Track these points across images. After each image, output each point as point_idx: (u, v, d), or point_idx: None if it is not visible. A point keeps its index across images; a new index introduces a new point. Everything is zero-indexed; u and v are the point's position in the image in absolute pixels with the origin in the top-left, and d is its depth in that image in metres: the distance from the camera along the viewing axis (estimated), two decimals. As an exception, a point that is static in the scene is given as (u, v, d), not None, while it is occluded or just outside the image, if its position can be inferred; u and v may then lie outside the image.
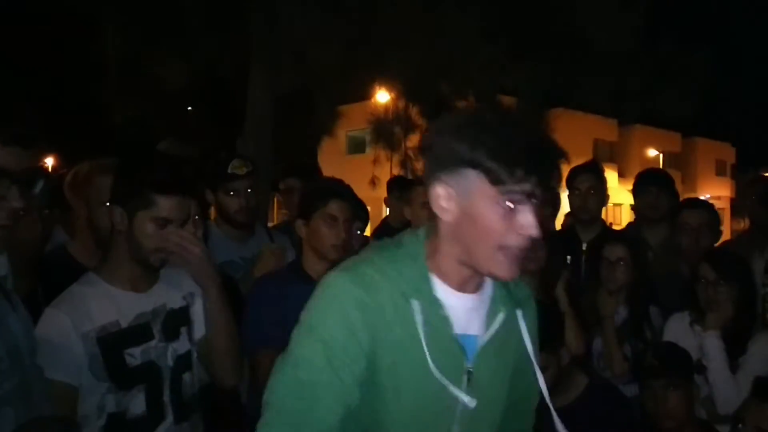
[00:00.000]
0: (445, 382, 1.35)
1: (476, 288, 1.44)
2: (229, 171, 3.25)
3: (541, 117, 9.54)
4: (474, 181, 1.29)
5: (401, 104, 10.18)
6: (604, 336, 3.10)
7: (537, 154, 1.28)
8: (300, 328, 1.39)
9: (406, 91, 9.50)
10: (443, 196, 1.34)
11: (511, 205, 1.28)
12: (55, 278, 2.20)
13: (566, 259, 3.57)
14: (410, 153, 9.35)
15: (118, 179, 2.11)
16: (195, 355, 2.21)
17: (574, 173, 3.82)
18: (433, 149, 1.36)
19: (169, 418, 2.08)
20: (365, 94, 11.46)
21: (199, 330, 2.21)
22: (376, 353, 1.35)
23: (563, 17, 6.34)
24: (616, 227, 4.66)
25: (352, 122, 12.46)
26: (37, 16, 10.00)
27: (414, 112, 9.94)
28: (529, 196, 1.28)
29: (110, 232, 2.11)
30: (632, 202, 4.37)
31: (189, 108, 10.21)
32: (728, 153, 44.81)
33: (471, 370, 1.40)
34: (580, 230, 3.80)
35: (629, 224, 4.55)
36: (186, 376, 2.15)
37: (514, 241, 1.30)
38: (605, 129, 30.54)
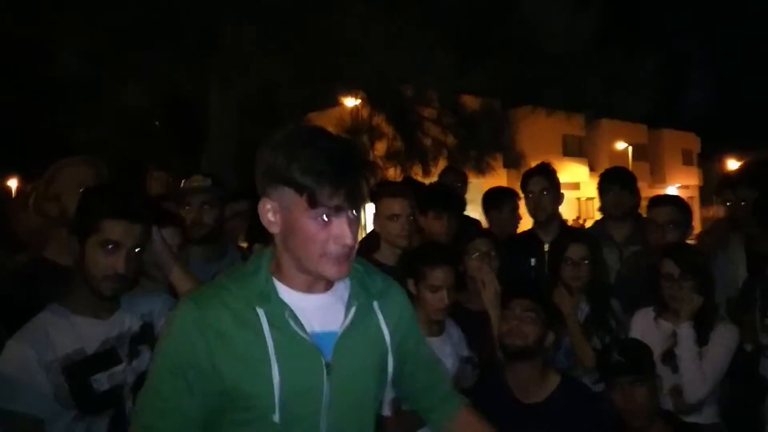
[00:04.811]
0: (277, 380, 1.42)
1: (326, 287, 1.55)
2: (184, 185, 3.19)
3: (506, 116, 9.62)
4: (292, 197, 1.41)
5: (365, 113, 10.16)
6: (570, 332, 3.15)
7: (343, 172, 1.40)
8: (155, 355, 1.54)
9: (369, 98, 9.51)
10: (270, 210, 1.46)
11: (325, 219, 1.41)
12: (39, 290, 2.22)
13: (530, 261, 3.61)
14: (378, 161, 9.33)
15: (76, 211, 2.12)
16: None
17: (526, 177, 3.88)
18: (258, 166, 1.47)
19: None
20: (331, 103, 11.43)
21: None
22: (222, 363, 1.43)
23: (519, 21, 6.46)
24: (589, 221, 4.73)
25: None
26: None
27: (380, 119, 9.93)
28: (339, 209, 1.41)
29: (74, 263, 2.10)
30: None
31: (156, 123, 10.11)
32: (693, 143, 45.57)
33: (330, 363, 1.48)
34: (540, 232, 3.82)
35: (596, 222, 4.62)
36: None
37: (333, 248, 1.43)
38: (572, 125, 30.85)
